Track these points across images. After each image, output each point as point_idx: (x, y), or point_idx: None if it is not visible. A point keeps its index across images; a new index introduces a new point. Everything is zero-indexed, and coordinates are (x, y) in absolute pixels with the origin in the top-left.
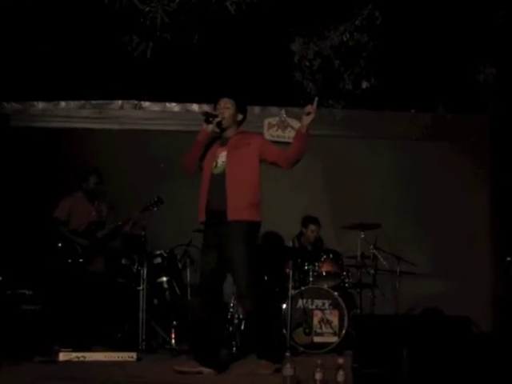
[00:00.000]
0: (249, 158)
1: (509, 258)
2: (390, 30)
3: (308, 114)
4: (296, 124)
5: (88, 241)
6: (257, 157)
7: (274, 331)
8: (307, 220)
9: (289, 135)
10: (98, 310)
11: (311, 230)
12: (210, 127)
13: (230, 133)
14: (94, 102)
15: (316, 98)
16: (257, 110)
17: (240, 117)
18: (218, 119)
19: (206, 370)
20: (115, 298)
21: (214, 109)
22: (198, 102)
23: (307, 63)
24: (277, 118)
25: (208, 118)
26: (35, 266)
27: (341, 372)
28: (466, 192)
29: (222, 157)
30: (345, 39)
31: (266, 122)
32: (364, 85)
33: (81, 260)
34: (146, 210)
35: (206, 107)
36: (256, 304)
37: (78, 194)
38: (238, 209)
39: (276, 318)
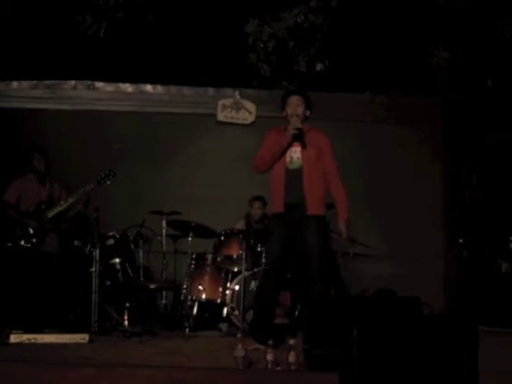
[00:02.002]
0: (319, 158)
1: (461, 240)
2: (345, 12)
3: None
4: (250, 106)
5: (38, 221)
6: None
7: None
8: (252, 198)
9: (243, 116)
10: (50, 292)
11: (256, 207)
12: (291, 138)
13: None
14: (46, 82)
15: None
16: (211, 91)
17: (308, 113)
18: (299, 126)
19: (262, 347)
20: (68, 279)
21: (283, 106)
22: (152, 82)
23: (261, 45)
24: (231, 100)
25: (300, 133)
26: None
27: (292, 353)
28: (419, 174)
29: (297, 153)
30: (299, 21)
31: (220, 103)
32: (318, 67)
33: (33, 240)
34: (99, 182)
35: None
36: (326, 290)
37: (28, 176)
38: (315, 204)
39: None
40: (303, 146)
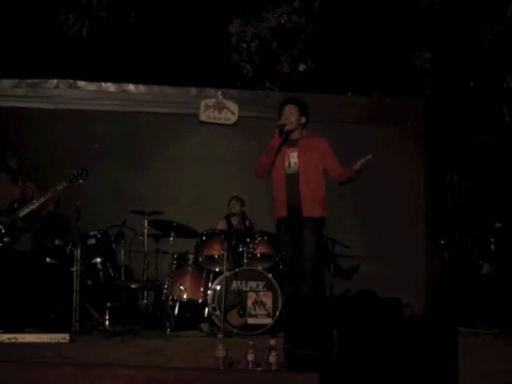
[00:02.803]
0: (317, 160)
1: (443, 241)
2: (328, 13)
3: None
4: (233, 106)
5: (10, 219)
6: (321, 160)
7: None
8: (230, 198)
9: (225, 117)
10: (29, 291)
11: (233, 203)
12: (282, 135)
13: (296, 134)
14: (28, 80)
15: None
16: (193, 91)
17: (303, 119)
18: (287, 128)
19: None
20: (47, 278)
21: (279, 114)
22: (134, 82)
23: (245, 45)
24: (213, 100)
25: (282, 130)
26: None
27: (273, 353)
28: (401, 175)
29: (294, 157)
30: (283, 21)
31: (203, 103)
32: (301, 67)
33: (5, 239)
34: (71, 181)
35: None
36: (313, 291)
37: (1, 175)
38: (311, 206)
39: None
40: (285, 141)
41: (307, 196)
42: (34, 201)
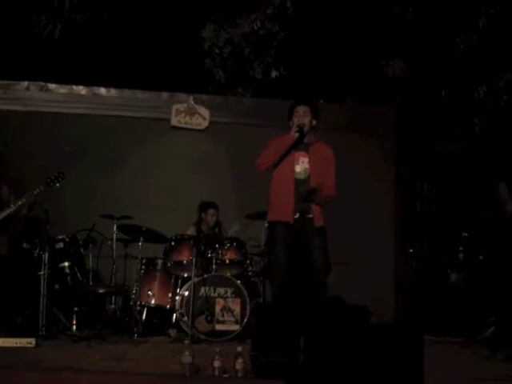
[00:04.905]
0: (324, 169)
1: (411, 250)
2: (301, 21)
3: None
4: (204, 111)
5: None
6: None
7: None
8: (205, 205)
9: (196, 122)
10: None
11: (211, 214)
12: (297, 135)
13: (307, 138)
14: None
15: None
16: (165, 95)
17: (314, 122)
18: (306, 129)
19: None
20: (14, 282)
21: (290, 114)
22: (106, 85)
23: (217, 50)
24: (185, 105)
25: (302, 130)
26: None
27: (239, 360)
28: (371, 183)
29: (304, 163)
30: (256, 28)
31: (174, 108)
32: (274, 74)
33: None
34: (48, 185)
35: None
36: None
37: None
38: (319, 214)
39: None
40: (300, 142)
41: (317, 204)
42: (12, 205)
